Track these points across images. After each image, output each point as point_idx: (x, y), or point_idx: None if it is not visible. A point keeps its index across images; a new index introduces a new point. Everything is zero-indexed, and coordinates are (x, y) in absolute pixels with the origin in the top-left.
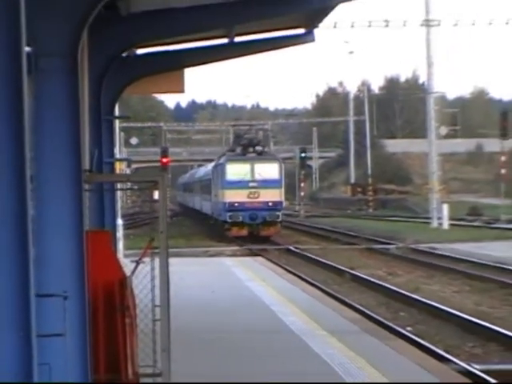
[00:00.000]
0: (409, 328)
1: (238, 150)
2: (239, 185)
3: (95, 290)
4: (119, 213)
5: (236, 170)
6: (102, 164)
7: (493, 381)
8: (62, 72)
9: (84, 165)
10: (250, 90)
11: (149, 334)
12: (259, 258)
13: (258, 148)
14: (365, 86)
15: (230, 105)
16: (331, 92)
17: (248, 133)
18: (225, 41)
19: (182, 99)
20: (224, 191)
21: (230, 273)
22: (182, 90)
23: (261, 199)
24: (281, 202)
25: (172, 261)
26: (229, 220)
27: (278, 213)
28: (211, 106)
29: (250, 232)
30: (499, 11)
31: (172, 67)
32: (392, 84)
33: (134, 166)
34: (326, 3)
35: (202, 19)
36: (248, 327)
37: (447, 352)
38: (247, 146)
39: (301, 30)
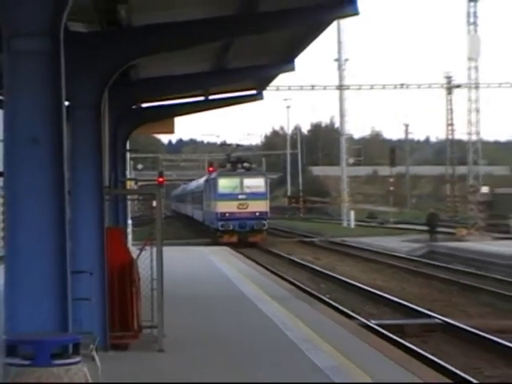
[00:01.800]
0: (327, 295)
1: (229, 166)
2: (230, 197)
3: (112, 268)
4: (129, 215)
5: (227, 184)
6: (118, 182)
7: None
8: (91, 119)
9: (105, 182)
10: (218, 131)
11: (148, 299)
12: (227, 248)
13: (246, 165)
14: (297, 129)
15: (205, 141)
16: (275, 133)
17: (235, 152)
18: (202, 98)
19: (172, 137)
20: (216, 202)
21: (205, 257)
22: (172, 132)
23: (249, 210)
24: (266, 212)
25: (164, 248)
26: (220, 228)
27: (264, 222)
28: (192, 142)
29: (240, 239)
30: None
31: (166, 116)
32: (316, 128)
33: (140, 183)
34: (270, 74)
35: (188, 84)
36: (215, 293)
37: (353, 312)
38: (236, 163)
39: (254, 92)
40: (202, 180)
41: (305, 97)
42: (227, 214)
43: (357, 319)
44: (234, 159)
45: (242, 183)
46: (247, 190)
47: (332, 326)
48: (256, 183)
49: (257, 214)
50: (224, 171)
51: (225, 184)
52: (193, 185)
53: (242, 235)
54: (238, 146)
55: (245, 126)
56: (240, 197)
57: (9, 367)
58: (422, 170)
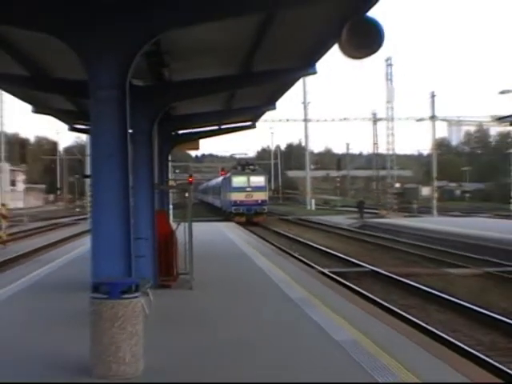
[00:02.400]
0: (297, 253)
1: (239, 168)
2: (240, 189)
3: (159, 236)
4: (170, 202)
5: (238, 180)
6: (163, 181)
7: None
8: (145, 141)
9: (155, 181)
10: (228, 148)
11: (183, 256)
12: (234, 224)
13: (252, 167)
14: (278, 147)
15: (219, 155)
16: (263, 149)
17: (245, 159)
18: (217, 127)
19: (198, 152)
20: (231, 193)
21: (219, 229)
22: (198, 148)
23: (253, 198)
24: (266, 200)
25: (193, 223)
26: (233, 211)
27: (264, 207)
28: (210, 155)
29: (247, 219)
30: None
31: (194, 139)
32: (290, 146)
33: (177, 182)
34: (261, 111)
35: (208, 119)
36: (225, 252)
37: (314, 263)
38: (245, 166)
39: (250, 123)
40: (219, 179)
41: (282, 125)
42: (238, 202)
43: (316, 268)
44: (243, 163)
45: (248, 180)
46: (252, 185)
47: (300, 272)
48: (258, 180)
49: (259, 201)
50: (236, 171)
51: (237, 180)
52: (212, 182)
53: (249, 216)
54: (243, 156)
55: (244, 144)
56: (247, 189)
57: (93, 299)
58: (357, 173)
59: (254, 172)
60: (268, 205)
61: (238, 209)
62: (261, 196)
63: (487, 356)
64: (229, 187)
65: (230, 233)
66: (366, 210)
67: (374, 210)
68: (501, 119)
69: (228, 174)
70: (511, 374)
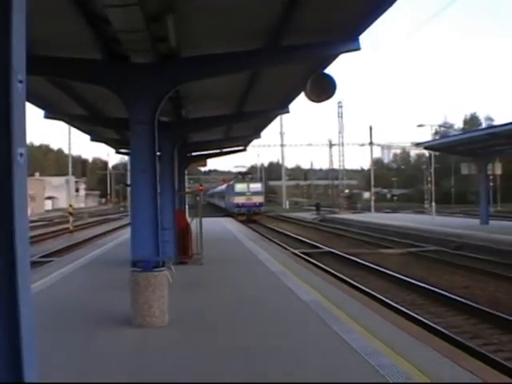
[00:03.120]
0: (276, 239)
1: (240, 177)
2: (241, 194)
3: (178, 227)
4: (186, 203)
5: (240, 186)
6: (181, 189)
7: None
8: (168, 160)
9: (175, 188)
10: (227, 165)
11: (196, 241)
12: (233, 220)
13: (250, 176)
14: (262, 164)
15: (221, 170)
16: (252, 166)
17: (245, 170)
18: (219, 151)
19: (206, 168)
20: (234, 197)
21: (221, 223)
22: (206, 165)
23: (252, 201)
24: (262, 203)
25: (203, 219)
26: (236, 212)
27: (261, 208)
28: (215, 170)
29: (247, 218)
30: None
31: (203, 159)
32: (271, 163)
33: (191, 189)
34: (250, 139)
35: (212, 146)
36: (225, 238)
37: (288, 246)
38: (245, 175)
39: (242, 147)
40: (223, 186)
41: (266, 149)
42: (240, 204)
43: (289, 250)
44: (244, 173)
45: (248, 186)
46: (251, 190)
47: (278, 253)
48: (256, 186)
49: (257, 203)
50: (238, 180)
51: (239, 186)
52: (218, 189)
53: (249, 216)
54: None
55: (238, 162)
56: (247, 194)
57: (133, 272)
58: (319, 182)
59: (253, 180)
60: (264, 206)
61: (240, 210)
62: (258, 199)
63: (408, 310)
64: (232, 192)
65: (227, 224)
66: (323, 209)
67: (330, 209)
68: (417, 144)
69: (231, 182)
70: (423, 321)
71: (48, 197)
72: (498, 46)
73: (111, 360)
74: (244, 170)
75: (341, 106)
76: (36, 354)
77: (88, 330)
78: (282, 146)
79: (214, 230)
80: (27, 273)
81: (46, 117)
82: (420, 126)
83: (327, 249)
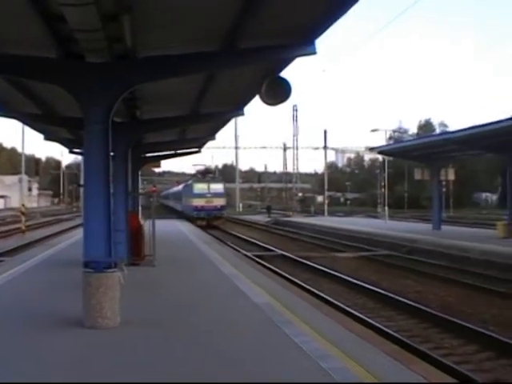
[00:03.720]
0: (228, 242)
1: (200, 176)
2: (201, 195)
3: (131, 228)
4: (140, 204)
5: (199, 187)
6: (134, 190)
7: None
8: (122, 161)
9: (129, 189)
10: (181, 166)
11: (148, 242)
12: (186, 221)
13: (211, 175)
14: (216, 166)
15: (175, 171)
16: (206, 168)
17: (204, 169)
18: (173, 152)
19: (160, 169)
20: (193, 199)
21: (174, 224)
22: (160, 166)
23: (213, 204)
24: (224, 206)
25: (156, 220)
26: (195, 216)
27: (223, 212)
28: (168, 171)
29: (207, 223)
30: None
31: (157, 160)
32: (226, 166)
33: (144, 190)
34: (205, 141)
35: (168, 145)
36: (178, 240)
37: (240, 248)
38: (205, 173)
39: (196, 149)
40: (180, 186)
41: (220, 151)
42: (199, 207)
43: (242, 252)
44: (203, 171)
45: (209, 187)
46: (212, 191)
47: (230, 254)
48: (218, 186)
49: (218, 206)
50: (197, 179)
51: (198, 187)
52: (173, 189)
53: (209, 220)
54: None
55: (194, 163)
56: (207, 195)
57: (84, 273)
58: (272, 185)
59: (214, 179)
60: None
61: (199, 213)
62: (220, 202)
63: (360, 313)
64: (190, 193)
65: (181, 226)
66: (277, 212)
67: (284, 212)
68: (371, 149)
69: (189, 182)
70: (373, 324)
71: (0, 196)
72: (452, 52)
73: (60, 361)
74: (203, 168)
75: (296, 110)
76: None
77: (38, 332)
78: (236, 148)
79: (167, 231)
80: None
81: None
82: (374, 130)
83: (279, 251)
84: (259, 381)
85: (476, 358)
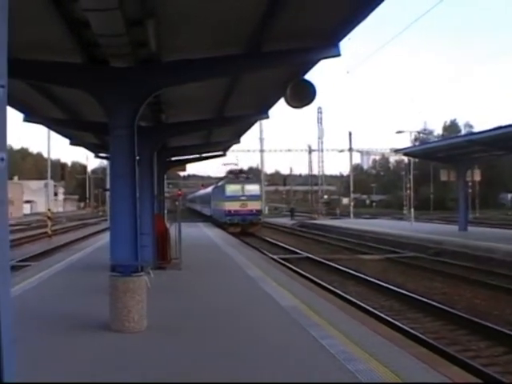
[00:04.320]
0: (255, 245)
1: (232, 176)
2: (234, 198)
3: (157, 232)
4: (166, 208)
5: (233, 189)
6: (160, 193)
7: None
8: (148, 165)
9: (154, 193)
10: (207, 170)
11: (175, 246)
12: (210, 223)
13: (245, 175)
14: (242, 168)
15: (200, 175)
16: (231, 171)
17: (238, 168)
18: (198, 156)
19: (185, 173)
20: (225, 202)
21: (199, 227)
22: (185, 170)
23: (248, 208)
24: (261, 210)
25: (182, 223)
26: (228, 222)
27: (259, 217)
28: (193, 175)
29: (241, 229)
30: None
31: (182, 164)
32: (251, 169)
33: (170, 194)
34: (230, 144)
35: (191, 151)
36: (205, 243)
37: (266, 251)
38: (239, 174)
39: (221, 152)
40: (209, 189)
41: (245, 154)
42: (232, 211)
43: (268, 255)
44: (237, 172)
45: (243, 188)
46: (247, 193)
47: (257, 257)
48: (253, 188)
49: (254, 211)
50: (230, 180)
51: (231, 189)
52: (201, 192)
53: (244, 226)
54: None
55: (218, 167)
56: (242, 198)
57: (111, 276)
58: (298, 188)
59: (249, 180)
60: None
61: (232, 219)
62: (255, 205)
63: (386, 315)
64: (222, 196)
65: (206, 229)
66: (302, 214)
67: (309, 214)
68: (397, 151)
69: (221, 183)
70: (399, 325)
71: (26, 201)
72: (477, 51)
73: (89, 364)
74: (235, 167)
75: (320, 112)
76: (15, 356)
77: (66, 335)
78: (261, 151)
79: (193, 234)
80: (7, 275)
81: (25, 120)
82: (399, 132)
83: (305, 254)
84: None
85: (503, 360)
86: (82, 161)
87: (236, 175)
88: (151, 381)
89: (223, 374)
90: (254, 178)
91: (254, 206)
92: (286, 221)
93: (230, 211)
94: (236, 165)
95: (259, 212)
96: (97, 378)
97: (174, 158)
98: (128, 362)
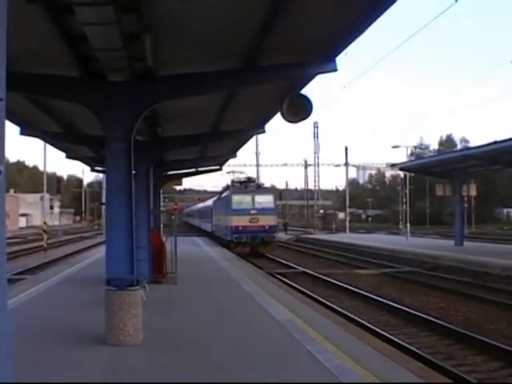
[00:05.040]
0: (250, 259)
1: (239, 186)
2: (243, 212)
3: (153, 246)
4: (162, 222)
5: (241, 200)
6: (156, 207)
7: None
8: (144, 179)
9: (150, 207)
10: (203, 184)
11: (170, 260)
12: (205, 238)
13: (255, 184)
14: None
15: (196, 189)
16: (228, 186)
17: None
18: (194, 170)
19: (181, 187)
20: (231, 217)
21: (195, 241)
22: (181, 184)
23: (260, 223)
24: (276, 226)
25: (178, 237)
26: (235, 240)
27: (273, 234)
28: (189, 189)
29: (251, 249)
30: None
31: (178, 178)
32: (247, 180)
33: (166, 208)
34: (226, 159)
35: (189, 163)
36: (200, 257)
37: (262, 267)
38: (247, 182)
39: (217, 166)
40: (209, 202)
41: (241, 168)
42: (240, 228)
43: (264, 270)
44: (245, 181)
45: (253, 200)
46: (258, 206)
47: (253, 272)
48: (266, 199)
49: (266, 227)
50: (236, 189)
51: (238, 200)
52: (200, 206)
53: (254, 246)
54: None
55: (214, 182)
56: (252, 212)
57: (107, 290)
58: (293, 202)
59: (260, 190)
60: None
61: (240, 237)
62: (269, 220)
63: (382, 330)
64: (227, 209)
65: (202, 243)
66: (299, 229)
67: (305, 229)
68: (393, 165)
69: (225, 193)
70: (395, 340)
71: (22, 214)
72: (472, 65)
73: (83, 378)
74: (243, 175)
75: (317, 127)
76: (11, 368)
77: (61, 349)
78: (257, 165)
79: (188, 249)
80: (4, 288)
81: (22, 133)
82: (395, 147)
83: (301, 269)
84: None
85: (499, 375)
86: (78, 174)
87: (244, 184)
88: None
89: None
90: (267, 187)
91: (266, 221)
92: (281, 235)
93: (237, 227)
94: (242, 173)
95: (273, 229)
96: None
97: (170, 172)
98: (122, 376)
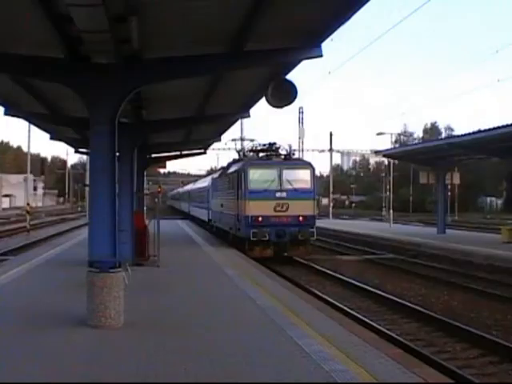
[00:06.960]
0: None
1: (255, 156)
2: (265, 195)
3: (136, 228)
4: (145, 204)
5: (261, 176)
6: (139, 190)
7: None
8: (128, 161)
9: (134, 189)
10: (186, 167)
11: (153, 242)
12: (188, 221)
13: (283, 154)
14: (222, 167)
15: (180, 172)
16: (212, 169)
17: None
18: (179, 153)
19: (165, 170)
20: (248, 202)
21: (177, 224)
22: (165, 167)
23: (290, 213)
24: (313, 217)
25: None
26: (251, 237)
27: (311, 229)
28: (174, 172)
29: (276, 251)
30: None
31: (162, 161)
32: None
33: (149, 191)
34: (210, 142)
35: (173, 146)
36: (182, 238)
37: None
38: (270, 151)
39: (202, 150)
40: (206, 181)
41: (226, 152)
42: (261, 218)
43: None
44: (266, 149)
45: (281, 176)
46: (287, 186)
47: (235, 256)
48: (300, 175)
49: (300, 218)
50: (255, 161)
51: (258, 176)
52: (187, 188)
53: (280, 246)
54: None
55: (198, 165)
56: (278, 194)
57: (89, 272)
58: None
59: (291, 162)
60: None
61: (259, 232)
62: (305, 208)
63: (363, 316)
64: (240, 190)
65: (184, 226)
66: None
67: None
68: (377, 152)
69: (234, 167)
70: (376, 326)
71: (5, 195)
72: (458, 54)
73: (64, 360)
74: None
75: (302, 112)
76: None
77: (42, 330)
78: (241, 150)
79: (172, 231)
80: None
81: (6, 114)
82: (380, 133)
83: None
84: (260, 380)
85: (478, 363)
86: (63, 156)
87: (267, 153)
88: (151, 381)
89: (200, 374)
90: (301, 159)
91: (300, 208)
92: None
93: (256, 218)
94: (253, 140)
95: (311, 220)
96: (69, 373)
97: (154, 155)
98: (103, 358)
